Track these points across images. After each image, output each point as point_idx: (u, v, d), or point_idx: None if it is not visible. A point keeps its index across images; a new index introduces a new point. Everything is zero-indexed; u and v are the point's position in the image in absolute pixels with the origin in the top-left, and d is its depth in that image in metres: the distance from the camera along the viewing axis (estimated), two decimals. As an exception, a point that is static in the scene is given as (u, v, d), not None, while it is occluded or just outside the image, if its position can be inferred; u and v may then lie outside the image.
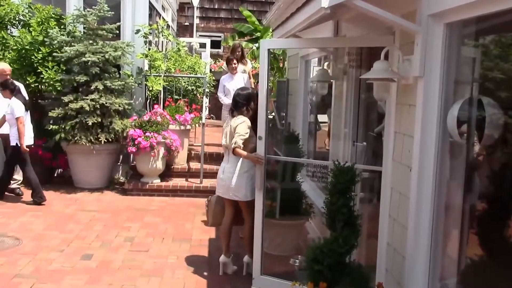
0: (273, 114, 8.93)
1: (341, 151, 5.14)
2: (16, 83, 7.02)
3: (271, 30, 9.08)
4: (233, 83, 7.98)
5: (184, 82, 9.54)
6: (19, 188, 7.40)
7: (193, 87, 9.73)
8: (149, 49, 8.63)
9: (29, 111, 6.97)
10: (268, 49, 4.28)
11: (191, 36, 15.03)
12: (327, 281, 3.21)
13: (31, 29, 7.75)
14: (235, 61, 8.16)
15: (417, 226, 3.10)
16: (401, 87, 3.43)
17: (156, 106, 8.21)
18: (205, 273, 4.89)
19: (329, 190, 3.37)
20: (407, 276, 3.19)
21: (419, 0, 3.06)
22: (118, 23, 8.09)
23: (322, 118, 6.87)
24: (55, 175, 8.45)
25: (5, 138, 6.96)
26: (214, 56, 14.82)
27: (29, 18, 7.94)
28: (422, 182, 3.07)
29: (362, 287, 3.18)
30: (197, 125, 8.58)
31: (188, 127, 8.29)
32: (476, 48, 3.02)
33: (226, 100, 7.90)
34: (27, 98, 7.07)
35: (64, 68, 7.72)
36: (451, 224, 3.10)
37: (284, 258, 4.86)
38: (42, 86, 7.72)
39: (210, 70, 12.74)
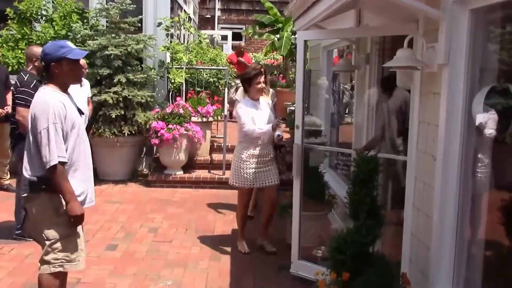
0: (294, 106, 8.87)
1: (364, 141, 5.10)
2: None
3: (292, 21, 9.03)
4: (262, 113, 5.29)
5: (206, 74, 9.57)
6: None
7: (214, 79, 9.76)
8: (171, 41, 8.66)
9: None
10: (305, 41, 4.27)
11: (213, 28, 15.07)
12: (350, 271, 3.19)
13: (54, 23, 7.83)
14: (262, 79, 5.26)
15: (442, 216, 3.06)
16: (425, 75, 3.37)
17: (178, 98, 8.24)
18: (228, 264, 4.92)
19: (351, 179, 3.35)
20: (431, 266, 3.16)
21: (443, -14, 3.00)
22: (140, 16, 8.13)
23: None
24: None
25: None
26: (235, 48, 14.80)
27: (52, 12, 8.01)
28: (447, 172, 3.03)
29: (385, 278, 3.15)
30: (219, 117, 8.59)
31: (210, 119, 8.30)
32: (502, 35, 2.95)
33: (266, 127, 5.17)
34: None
35: (87, 62, 7.80)
36: (477, 214, 3.05)
37: (306, 249, 4.84)
38: (66, 80, 7.80)
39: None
